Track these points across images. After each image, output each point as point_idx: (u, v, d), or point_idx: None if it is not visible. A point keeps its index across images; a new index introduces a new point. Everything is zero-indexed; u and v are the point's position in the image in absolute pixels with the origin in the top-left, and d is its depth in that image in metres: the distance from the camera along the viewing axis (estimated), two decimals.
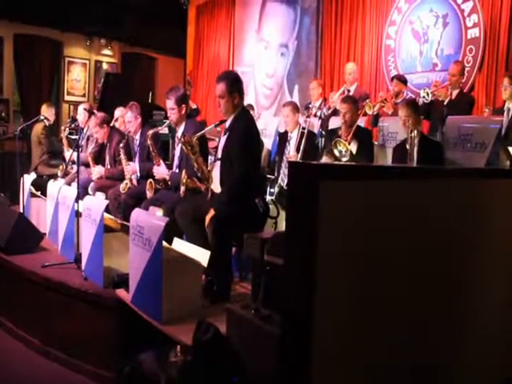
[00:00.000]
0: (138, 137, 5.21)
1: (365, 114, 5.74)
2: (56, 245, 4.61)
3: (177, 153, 4.46)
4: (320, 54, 8.73)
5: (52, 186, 4.96)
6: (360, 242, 1.15)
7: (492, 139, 4.32)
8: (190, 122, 4.36)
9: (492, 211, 1.51)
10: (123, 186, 4.95)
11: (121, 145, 5.15)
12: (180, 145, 4.28)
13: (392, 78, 6.60)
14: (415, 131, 4.39)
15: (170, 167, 4.58)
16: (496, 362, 1.62)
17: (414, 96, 6.50)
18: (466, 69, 6.20)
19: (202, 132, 3.97)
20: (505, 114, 4.94)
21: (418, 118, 4.51)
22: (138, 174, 5.03)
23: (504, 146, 4.35)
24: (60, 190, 4.61)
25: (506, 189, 1.57)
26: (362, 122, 5.44)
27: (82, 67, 12.27)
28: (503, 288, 1.57)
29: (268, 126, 6.81)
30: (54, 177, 5.99)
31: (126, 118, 5.27)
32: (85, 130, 5.95)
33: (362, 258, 1.15)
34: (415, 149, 4.43)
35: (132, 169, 5.06)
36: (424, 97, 5.42)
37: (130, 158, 5.20)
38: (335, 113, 6.03)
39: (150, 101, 10.42)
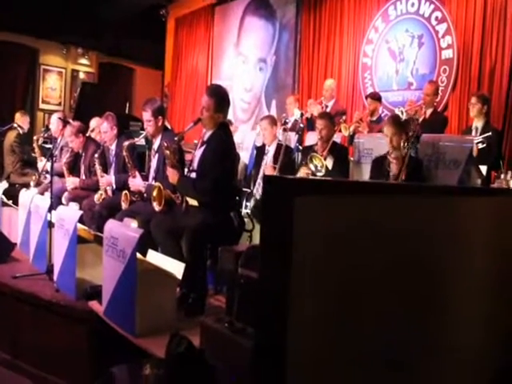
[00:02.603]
0: (113, 147, 5.17)
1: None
2: (27, 255, 4.54)
3: (153, 165, 4.43)
4: (298, 69, 8.83)
5: (24, 195, 4.89)
6: (336, 256, 1.16)
7: (465, 158, 4.40)
8: (167, 134, 4.35)
9: (470, 230, 1.54)
10: (98, 197, 4.90)
11: (96, 155, 5.11)
12: (156, 156, 4.27)
13: (366, 97, 6.69)
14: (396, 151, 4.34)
15: (145, 179, 4.56)
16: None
17: (389, 114, 6.59)
18: (440, 88, 6.33)
19: (183, 131, 4.16)
20: (473, 132, 5.07)
21: (402, 136, 4.36)
22: (114, 186, 4.98)
23: (476, 164, 4.44)
24: (32, 199, 4.54)
25: (483, 207, 1.60)
26: (338, 138, 5.48)
27: (57, 76, 12.18)
28: (478, 306, 1.60)
29: (245, 139, 6.83)
30: (27, 186, 5.91)
31: (102, 128, 5.24)
32: (59, 140, 5.91)
33: (338, 272, 1.16)
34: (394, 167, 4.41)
35: (107, 181, 5.00)
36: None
37: (105, 169, 5.16)
38: (312, 126, 6.06)
39: (126, 112, 10.38)
